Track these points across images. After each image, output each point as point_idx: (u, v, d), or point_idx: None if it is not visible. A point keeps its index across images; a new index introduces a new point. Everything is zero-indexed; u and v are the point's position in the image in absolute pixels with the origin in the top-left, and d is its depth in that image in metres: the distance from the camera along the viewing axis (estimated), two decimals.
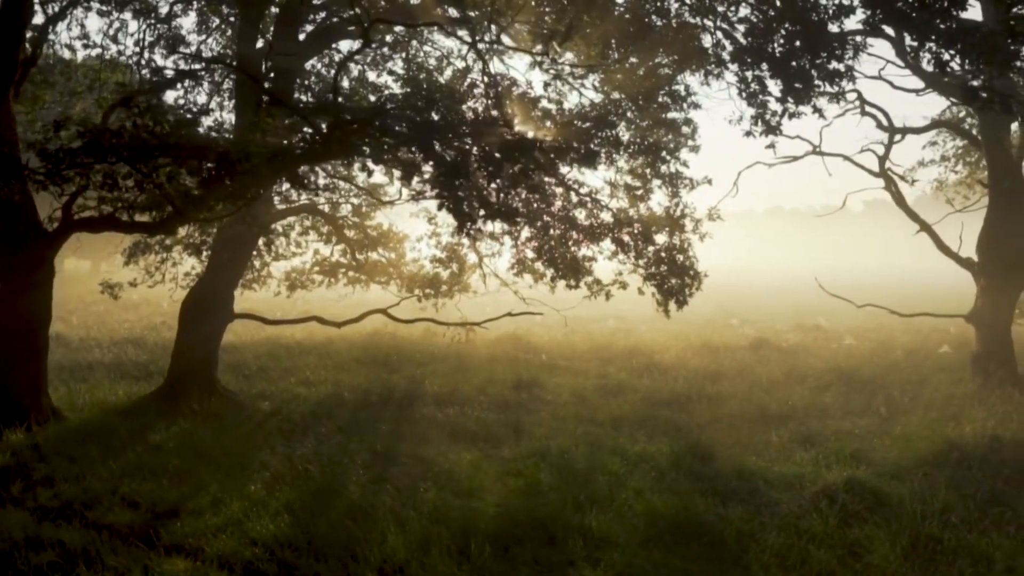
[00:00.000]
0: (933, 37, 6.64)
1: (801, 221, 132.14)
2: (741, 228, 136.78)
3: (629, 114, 12.00)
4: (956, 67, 7.24)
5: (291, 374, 14.28)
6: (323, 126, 6.36)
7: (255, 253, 16.56)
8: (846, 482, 6.97)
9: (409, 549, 5.86)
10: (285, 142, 8.00)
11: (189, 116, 7.38)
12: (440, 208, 6.48)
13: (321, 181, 13.19)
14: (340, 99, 10.37)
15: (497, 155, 6.59)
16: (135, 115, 6.62)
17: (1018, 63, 6.98)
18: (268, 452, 8.68)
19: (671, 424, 10.46)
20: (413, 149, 5.80)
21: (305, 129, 7.33)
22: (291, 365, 15.23)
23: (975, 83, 7.25)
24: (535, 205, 11.21)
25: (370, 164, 7.42)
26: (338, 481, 7.49)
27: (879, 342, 17.83)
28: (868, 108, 14.31)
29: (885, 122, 13.94)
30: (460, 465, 8.29)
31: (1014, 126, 12.81)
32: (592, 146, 11.02)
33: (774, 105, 8.52)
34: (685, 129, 13.80)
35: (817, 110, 8.38)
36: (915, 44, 7.11)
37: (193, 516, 6.63)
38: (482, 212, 6.77)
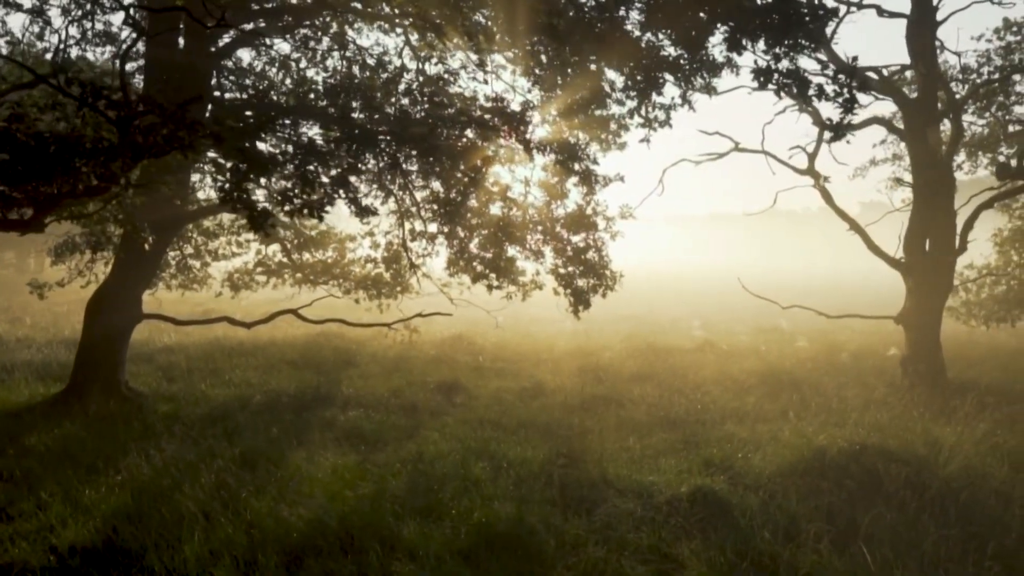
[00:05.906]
0: (724, 16, 6.31)
1: (800, 220, 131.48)
2: (740, 229, 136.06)
3: (552, 110, 11.70)
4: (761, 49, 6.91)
5: (216, 376, 14.06)
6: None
7: (192, 252, 16.46)
8: (692, 492, 6.64)
9: (201, 559, 5.62)
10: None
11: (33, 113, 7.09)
12: (224, 203, 6.22)
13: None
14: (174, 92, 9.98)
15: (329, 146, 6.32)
16: None
17: (804, 42, 6.63)
18: (135, 455, 8.48)
19: (571, 429, 10.15)
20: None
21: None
22: (221, 367, 15.01)
23: (764, 65, 6.89)
24: (442, 207, 10.99)
25: (220, 159, 7.15)
26: (177, 486, 7.25)
27: (829, 344, 17.38)
28: (805, 106, 13.97)
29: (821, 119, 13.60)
30: (320, 470, 8.03)
31: (945, 122, 12.38)
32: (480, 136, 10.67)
33: (629, 103, 8.22)
34: (613, 126, 13.52)
35: (687, 101, 8.06)
36: (707, 22, 6.77)
37: (5, 522, 6.42)
38: (287, 207, 6.52)
